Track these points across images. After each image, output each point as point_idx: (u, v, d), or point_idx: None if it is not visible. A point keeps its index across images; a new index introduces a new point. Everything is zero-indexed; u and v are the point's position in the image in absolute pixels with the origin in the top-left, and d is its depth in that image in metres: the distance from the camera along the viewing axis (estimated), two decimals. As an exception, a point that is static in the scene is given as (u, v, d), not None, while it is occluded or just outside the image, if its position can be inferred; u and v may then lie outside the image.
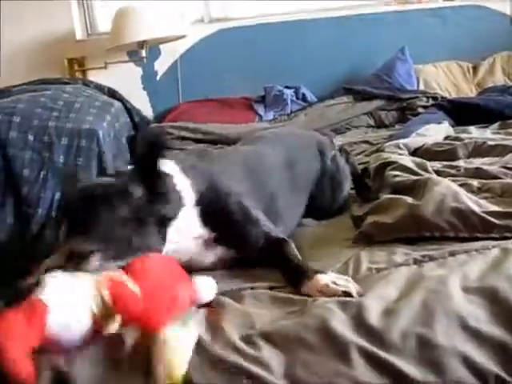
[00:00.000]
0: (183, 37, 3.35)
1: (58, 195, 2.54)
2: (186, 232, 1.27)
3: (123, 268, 1.06)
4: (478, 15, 3.57)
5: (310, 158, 1.73)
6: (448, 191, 1.30)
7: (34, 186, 2.57)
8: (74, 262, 1.06)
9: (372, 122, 3.12)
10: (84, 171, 2.56)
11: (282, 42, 3.55)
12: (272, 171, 1.55)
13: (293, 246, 1.30)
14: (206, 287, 1.12)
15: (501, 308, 0.91)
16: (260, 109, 3.33)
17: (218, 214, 1.30)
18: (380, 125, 3.10)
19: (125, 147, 2.79)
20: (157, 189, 1.20)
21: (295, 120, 3.07)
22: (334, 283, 1.07)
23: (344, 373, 0.85)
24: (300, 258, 1.25)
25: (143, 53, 3.30)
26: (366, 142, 2.61)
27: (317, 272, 1.13)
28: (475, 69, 3.59)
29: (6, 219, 2.52)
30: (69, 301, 0.94)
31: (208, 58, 3.50)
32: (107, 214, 1.14)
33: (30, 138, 2.63)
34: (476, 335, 0.88)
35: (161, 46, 3.53)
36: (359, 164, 2.04)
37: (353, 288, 1.04)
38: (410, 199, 1.32)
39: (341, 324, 0.92)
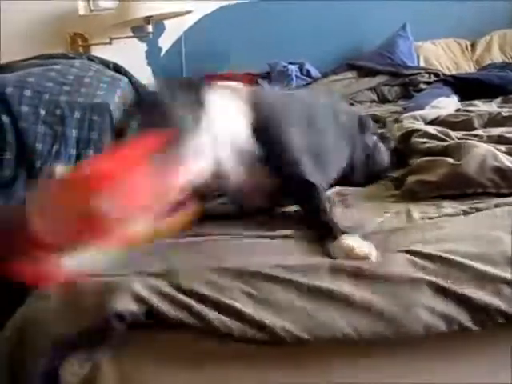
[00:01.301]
0: (189, 12, 3.37)
1: (71, 168, 2.58)
2: (239, 137, 1.30)
3: None
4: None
5: (352, 122, 1.78)
6: (488, 152, 1.42)
7: (47, 159, 2.60)
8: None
9: (375, 97, 3.20)
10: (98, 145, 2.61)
11: (284, 18, 3.60)
12: (321, 116, 1.60)
13: (325, 196, 1.35)
14: None
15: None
16: (265, 84, 3.36)
17: (265, 134, 1.33)
18: (383, 100, 3.19)
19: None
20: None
21: (301, 95, 3.12)
22: (358, 246, 1.11)
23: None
24: (326, 209, 1.29)
25: (149, 28, 3.32)
26: (374, 115, 2.67)
27: (343, 232, 1.18)
28: (473, 46, 3.67)
29: (19, 193, 2.56)
30: None
31: (212, 35, 3.54)
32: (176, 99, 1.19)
33: (42, 112, 2.65)
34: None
35: (165, 22, 3.55)
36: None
37: (373, 252, 1.09)
38: (450, 160, 1.41)
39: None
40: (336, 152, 1.63)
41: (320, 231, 1.22)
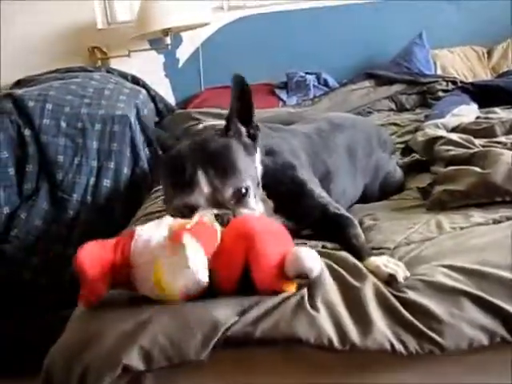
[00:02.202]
0: (206, 24, 3.39)
1: (92, 180, 2.61)
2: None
3: None
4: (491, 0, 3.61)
5: (371, 150, 1.79)
6: None
7: (68, 171, 2.63)
8: (234, 202, 1.18)
9: (393, 106, 3.19)
10: (118, 156, 2.63)
11: (300, 28, 3.61)
12: (332, 151, 1.62)
13: (353, 222, 1.35)
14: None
15: None
16: (282, 94, 3.39)
17: (273, 182, 1.36)
18: (401, 108, 3.18)
19: (152, 133, 2.84)
20: (254, 131, 1.30)
21: (319, 104, 3.13)
22: (385, 266, 1.11)
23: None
24: (359, 235, 1.30)
25: (168, 40, 3.35)
26: (394, 124, 2.69)
27: (370, 255, 1.19)
28: (489, 53, 3.66)
29: (41, 205, 2.59)
30: (151, 231, 1.08)
31: (229, 46, 3.55)
32: (237, 153, 1.24)
33: (63, 124, 2.70)
34: None
35: (182, 34, 3.58)
36: (395, 144, 2.13)
37: (401, 272, 1.09)
38: (477, 169, 1.41)
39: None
40: (348, 190, 1.65)
41: (352, 253, 1.23)
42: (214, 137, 1.28)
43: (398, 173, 1.85)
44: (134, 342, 0.94)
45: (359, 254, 1.20)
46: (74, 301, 1.11)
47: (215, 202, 1.16)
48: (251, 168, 1.26)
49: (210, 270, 1.02)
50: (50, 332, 1.10)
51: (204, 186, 1.16)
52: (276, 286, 1.03)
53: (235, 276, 1.03)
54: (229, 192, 1.17)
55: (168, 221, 1.11)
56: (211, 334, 0.95)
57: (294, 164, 1.42)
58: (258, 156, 1.35)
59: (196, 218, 1.09)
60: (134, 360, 0.93)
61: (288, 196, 1.36)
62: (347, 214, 1.39)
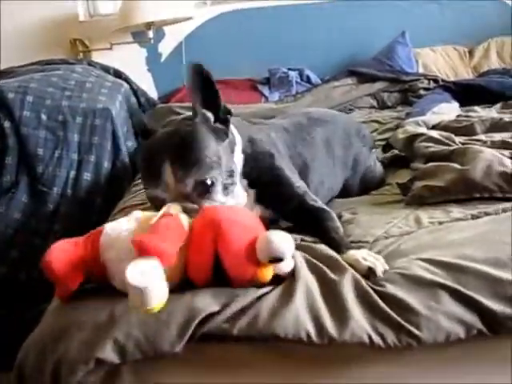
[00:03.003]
0: (189, 19, 3.37)
1: (72, 174, 2.58)
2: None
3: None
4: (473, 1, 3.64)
5: (349, 144, 1.79)
6: (494, 157, 1.45)
7: (48, 164, 2.60)
8: (197, 194, 1.15)
9: (375, 104, 3.21)
10: (99, 149, 2.61)
11: (284, 25, 3.61)
12: (310, 144, 1.62)
13: (332, 215, 1.35)
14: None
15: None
16: (265, 90, 3.39)
17: (253, 171, 1.35)
18: (383, 106, 3.19)
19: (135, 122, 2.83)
20: (223, 115, 1.27)
21: (301, 101, 3.13)
22: (364, 259, 1.12)
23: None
24: (337, 228, 1.30)
25: (150, 34, 3.33)
26: (375, 121, 2.70)
27: (349, 248, 1.19)
28: (471, 53, 3.69)
29: (21, 198, 2.56)
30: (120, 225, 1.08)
31: (212, 41, 3.53)
32: (204, 142, 1.20)
33: (44, 117, 2.66)
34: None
35: (165, 28, 3.56)
36: (376, 141, 2.14)
37: (379, 266, 1.09)
38: (456, 165, 1.43)
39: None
40: (326, 184, 1.64)
41: (331, 246, 1.23)
42: (182, 126, 1.26)
43: (378, 167, 1.86)
44: (108, 335, 0.94)
45: (338, 248, 1.20)
46: (52, 295, 1.11)
47: (180, 194, 1.15)
48: (222, 155, 1.22)
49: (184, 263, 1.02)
50: (29, 326, 1.09)
51: (168, 179, 1.15)
52: (249, 274, 1.01)
53: (207, 266, 1.02)
54: (190, 184, 1.15)
55: (137, 214, 1.11)
56: (186, 324, 0.95)
57: (272, 152, 1.41)
58: (238, 144, 1.34)
59: (162, 210, 1.07)
60: (108, 353, 0.92)
61: (267, 185, 1.35)
62: (325, 207, 1.39)
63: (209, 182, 1.16)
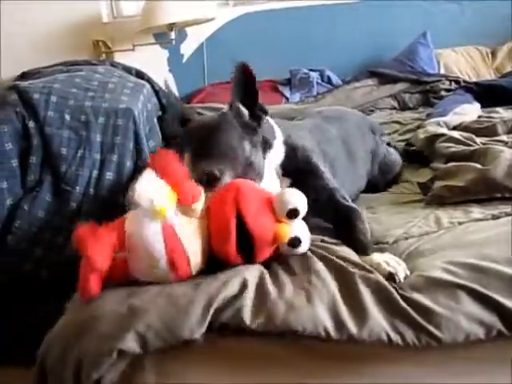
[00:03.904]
0: (211, 20, 3.39)
1: (95, 173, 2.61)
2: (273, 171, 1.38)
3: None
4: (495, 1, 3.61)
5: (364, 137, 1.81)
6: None
7: (71, 164, 2.63)
8: (205, 182, 1.19)
9: (396, 105, 3.20)
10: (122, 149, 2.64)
11: (305, 25, 3.62)
12: (331, 143, 1.63)
13: (360, 216, 1.35)
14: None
15: None
16: (286, 91, 3.39)
17: (291, 162, 1.41)
18: (404, 107, 3.19)
19: (155, 128, 2.85)
20: (258, 113, 1.33)
21: (322, 102, 3.13)
22: (387, 263, 1.13)
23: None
24: (365, 229, 1.31)
25: (172, 35, 3.35)
26: (396, 122, 2.69)
27: (373, 251, 1.20)
28: (493, 54, 3.66)
29: (44, 197, 2.59)
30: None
31: (233, 42, 3.56)
32: (225, 135, 1.26)
33: (67, 117, 2.69)
34: None
35: (187, 29, 3.58)
36: (396, 142, 2.14)
37: (401, 272, 1.10)
38: (477, 165, 1.42)
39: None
40: (349, 178, 1.67)
41: (355, 247, 1.24)
42: (213, 118, 1.35)
43: (392, 153, 1.90)
44: (129, 327, 0.95)
45: (362, 250, 1.21)
46: (72, 292, 1.13)
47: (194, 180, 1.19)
48: (243, 149, 1.28)
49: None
50: (50, 323, 1.11)
51: (187, 164, 1.21)
52: (270, 231, 1.09)
53: (230, 229, 1.07)
54: (198, 173, 1.20)
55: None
56: (205, 310, 0.97)
57: (308, 148, 1.47)
58: (279, 138, 1.41)
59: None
60: (130, 344, 0.94)
61: (301, 173, 1.40)
62: (354, 206, 1.39)
63: (217, 173, 1.20)
